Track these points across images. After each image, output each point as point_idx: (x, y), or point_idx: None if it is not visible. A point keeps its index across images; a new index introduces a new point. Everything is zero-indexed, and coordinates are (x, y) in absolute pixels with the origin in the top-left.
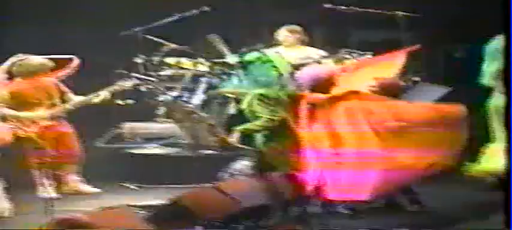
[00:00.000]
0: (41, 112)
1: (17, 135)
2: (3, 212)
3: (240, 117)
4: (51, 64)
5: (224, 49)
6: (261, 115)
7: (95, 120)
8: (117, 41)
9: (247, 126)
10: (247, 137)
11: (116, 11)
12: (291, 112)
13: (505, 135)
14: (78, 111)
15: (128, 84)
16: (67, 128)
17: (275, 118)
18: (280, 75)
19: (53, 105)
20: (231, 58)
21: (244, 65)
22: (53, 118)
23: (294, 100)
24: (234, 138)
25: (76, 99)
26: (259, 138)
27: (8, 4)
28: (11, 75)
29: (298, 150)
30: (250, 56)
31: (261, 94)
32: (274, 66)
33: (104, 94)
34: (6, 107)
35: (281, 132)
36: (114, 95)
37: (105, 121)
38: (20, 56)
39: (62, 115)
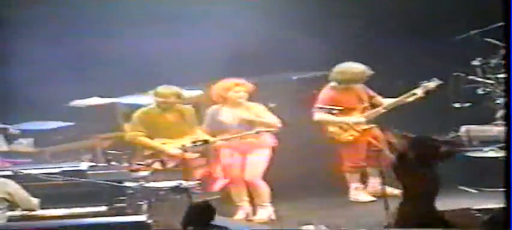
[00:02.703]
0: (356, 117)
1: (336, 139)
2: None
3: None
4: (369, 72)
5: None
6: None
7: (433, 123)
8: (453, 44)
9: None
10: None
11: (451, 13)
12: None
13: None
14: (416, 113)
15: (431, 85)
16: (378, 132)
17: None
18: None
19: (365, 109)
20: None
21: None
22: (368, 122)
23: None
24: None
25: (388, 102)
26: None
27: None
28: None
29: None
30: None
31: None
32: None
33: (412, 95)
34: (327, 112)
35: None
36: (423, 96)
37: (442, 124)
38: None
39: (375, 118)
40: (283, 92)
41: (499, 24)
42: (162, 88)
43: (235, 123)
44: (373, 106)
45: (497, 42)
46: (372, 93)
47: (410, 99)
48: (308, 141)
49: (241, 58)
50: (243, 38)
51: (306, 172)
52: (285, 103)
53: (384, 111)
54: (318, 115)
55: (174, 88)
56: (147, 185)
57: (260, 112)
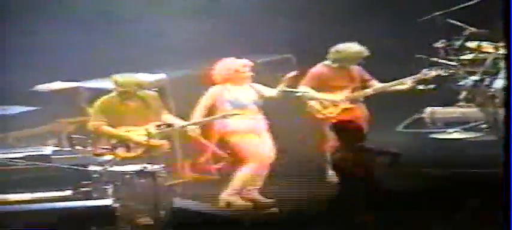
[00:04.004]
0: (340, 95)
1: (316, 116)
2: None
3: None
4: (366, 53)
5: None
6: None
7: (397, 105)
8: (417, 26)
9: None
10: None
11: None
12: None
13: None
14: (380, 96)
15: (432, 73)
16: (363, 112)
17: None
18: None
19: (353, 90)
20: None
21: None
22: (352, 102)
23: None
24: None
25: (377, 86)
26: None
27: None
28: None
29: None
30: None
31: None
32: None
33: (407, 83)
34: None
35: None
36: (417, 84)
37: (407, 106)
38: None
39: (361, 99)
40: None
41: (464, 4)
42: (121, 78)
43: (251, 102)
44: (366, 88)
45: (460, 24)
46: (367, 77)
47: (400, 87)
48: (282, 120)
49: (205, 42)
50: (205, 22)
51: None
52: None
53: (371, 93)
54: (303, 89)
55: (133, 77)
56: (112, 169)
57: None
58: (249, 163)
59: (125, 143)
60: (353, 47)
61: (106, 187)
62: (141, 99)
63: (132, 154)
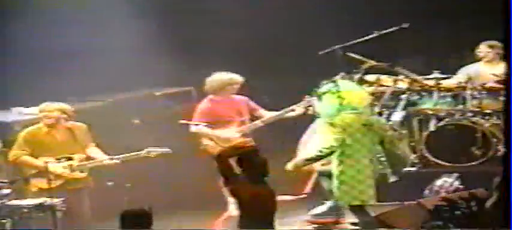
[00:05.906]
0: (232, 130)
1: (210, 152)
2: None
3: (440, 134)
4: (240, 79)
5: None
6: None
7: (286, 140)
8: (316, 59)
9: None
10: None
11: (315, 29)
12: None
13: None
14: (273, 133)
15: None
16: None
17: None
18: (346, 107)
19: (243, 123)
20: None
21: (319, 96)
22: (243, 135)
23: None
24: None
25: (267, 116)
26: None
27: None
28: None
29: None
30: (324, 88)
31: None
32: (342, 99)
33: (295, 110)
34: (204, 125)
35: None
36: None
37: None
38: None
39: (250, 132)
40: (146, 108)
41: (365, 37)
42: (45, 105)
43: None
44: (255, 119)
45: (360, 57)
46: (254, 106)
47: (290, 114)
48: (180, 155)
49: (101, 74)
50: (104, 53)
51: (181, 187)
52: (150, 120)
53: (261, 124)
54: (194, 128)
55: (58, 104)
56: (10, 203)
57: None
58: None
59: (45, 174)
60: (225, 75)
61: (4, 221)
62: (68, 130)
63: (52, 185)
